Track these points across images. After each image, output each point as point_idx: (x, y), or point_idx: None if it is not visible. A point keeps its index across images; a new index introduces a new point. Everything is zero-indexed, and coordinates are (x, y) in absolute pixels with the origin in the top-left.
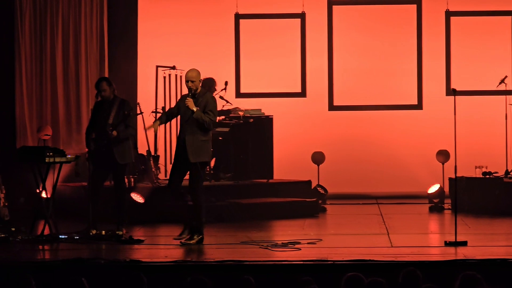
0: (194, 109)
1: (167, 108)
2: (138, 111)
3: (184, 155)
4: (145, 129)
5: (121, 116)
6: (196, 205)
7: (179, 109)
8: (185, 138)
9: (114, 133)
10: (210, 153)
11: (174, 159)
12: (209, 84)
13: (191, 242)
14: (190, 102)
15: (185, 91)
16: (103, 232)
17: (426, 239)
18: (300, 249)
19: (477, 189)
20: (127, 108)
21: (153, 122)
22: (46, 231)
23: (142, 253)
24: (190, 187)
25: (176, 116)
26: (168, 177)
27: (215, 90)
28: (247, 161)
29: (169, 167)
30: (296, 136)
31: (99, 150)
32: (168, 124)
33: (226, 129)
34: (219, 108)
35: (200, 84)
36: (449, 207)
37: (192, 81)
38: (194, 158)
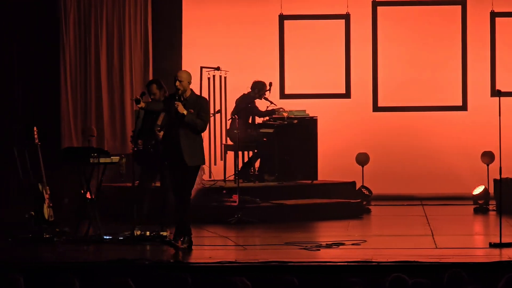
0: (185, 112)
1: (211, 110)
2: None
3: (179, 158)
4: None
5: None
6: (186, 208)
7: (168, 109)
8: (179, 141)
9: (161, 134)
10: (204, 155)
11: (168, 163)
12: (260, 87)
13: (184, 246)
14: (179, 106)
15: (230, 92)
16: (148, 233)
17: (471, 241)
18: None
19: None
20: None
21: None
22: (91, 232)
23: (187, 254)
24: (183, 189)
25: (157, 112)
26: (212, 178)
27: (265, 94)
28: (291, 162)
29: (214, 168)
30: (341, 137)
31: (147, 151)
32: (212, 125)
33: (271, 130)
34: (263, 108)
35: (189, 87)
36: (494, 208)
37: (180, 81)
38: (192, 162)
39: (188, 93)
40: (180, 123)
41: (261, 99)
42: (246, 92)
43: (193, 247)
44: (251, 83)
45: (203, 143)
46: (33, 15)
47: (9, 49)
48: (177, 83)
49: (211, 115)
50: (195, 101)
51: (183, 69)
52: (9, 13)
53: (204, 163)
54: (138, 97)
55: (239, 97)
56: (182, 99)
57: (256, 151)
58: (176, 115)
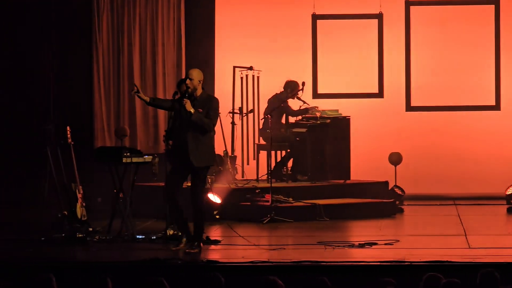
0: (192, 110)
1: (244, 109)
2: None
3: (185, 159)
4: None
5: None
6: (197, 210)
7: (174, 108)
8: (186, 141)
9: None
10: (214, 156)
11: (172, 163)
12: (292, 86)
13: (194, 251)
14: (187, 103)
15: (262, 92)
16: (180, 232)
17: (504, 241)
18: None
19: None
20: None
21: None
22: (123, 231)
23: (219, 254)
24: (193, 192)
25: (163, 109)
26: (244, 178)
27: (297, 94)
28: (324, 161)
29: (246, 167)
30: (373, 136)
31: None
32: (245, 125)
33: (303, 130)
34: (296, 108)
35: (200, 86)
36: None
37: (191, 79)
38: (198, 163)
39: (198, 92)
40: (188, 122)
41: (293, 98)
42: (278, 92)
43: (226, 246)
44: (284, 83)
45: (214, 143)
46: (67, 16)
47: (43, 50)
48: (188, 81)
49: (244, 114)
50: (205, 100)
51: (215, 68)
52: (43, 14)
53: (212, 164)
54: (172, 98)
55: (271, 96)
56: (192, 98)
57: (288, 150)
58: (184, 113)
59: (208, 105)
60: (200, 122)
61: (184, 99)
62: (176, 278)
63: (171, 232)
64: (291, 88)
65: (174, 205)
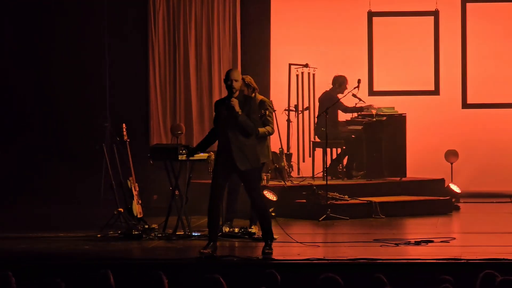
0: (239, 111)
1: (299, 107)
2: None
3: (230, 162)
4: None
5: (260, 116)
6: (262, 210)
7: (219, 114)
8: (230, 146)
9: None
10: (266, 154)
11: (217, 166)
12: (340, 81)
13: (269, 251)
14: (236, 104)
15: (318, 89)
16: (236, 229)
17: None
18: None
19: None
20: (264, 107)
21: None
22: (179, 229)
23: (275, 251)
24: (250, 194)
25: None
26: (300, 175)
27: (346, 88)
28: (380, 159)
29: (302, 165)
30: (429, 134)
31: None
32: (301, 122)
33: (359, 127)
34: (351, 105)
35: (239, 88)
36: None
37: (236, 80)
38: (245, 166)
39: (236, 94)
40: (231, 125)
41: (342, 93)
42: (328, 89)
43: (281, 243)
44: (331, 79)
45: (261, 145)
46: (123, 15)
47: (99, 49)
48: (233, 83)
49: (300, 112)
50: (243, 102)
51: (271, 66)
52: (99, 13)
53: (258, 166)
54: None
55: (321, 95)
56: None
57: (344, 148)
58: (229, 115)
59: (247, 106)
60: (245, 124)
61: (233, 99)
62: (232, 275)
63: (227, 229)
64: (339, 83)
65: (216, 211)
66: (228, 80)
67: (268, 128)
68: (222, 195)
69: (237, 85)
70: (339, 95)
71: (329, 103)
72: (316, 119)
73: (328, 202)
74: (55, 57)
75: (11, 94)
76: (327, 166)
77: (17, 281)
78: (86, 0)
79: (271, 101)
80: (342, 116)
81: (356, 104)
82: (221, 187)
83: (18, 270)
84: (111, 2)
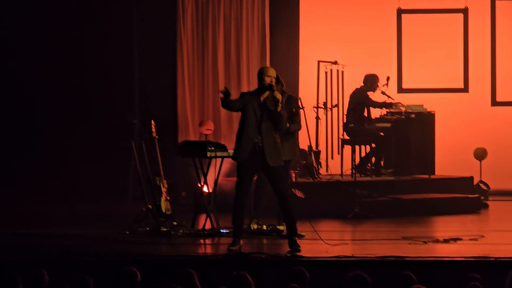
0: (280, 105)
1: (328, 104)
2: (300, 106)
3: (259, 159)
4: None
5: (287, 112)
6: (288, 208)
7: (247, 107)
8: (262, 140)
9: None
10: (294, 151)
11: (243, 163)
12: (372, 80)
13: (299, 248)
14: (279, 95)
15: (347, 86)
16: (264, 226)
17: None
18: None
19: None
20: (294, 105)
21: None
22: (208, 226)
23: (303, 248)
24: (278, 191)
25: (233, 111)
26: (329, 172)
27: (377, 86)
28: (408, 156)
29: (331, 162)
30: (458, 131)
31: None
32: (329, 119)
33: (388, 125)
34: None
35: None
36: None
37: (274, 77)
38: (274, 162)
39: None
40: (265, 120)
41: (374, 92)
42: (358, 87)
43: (310, 241)
44: (363, 77)
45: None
46: (152, 11)
47: (128, 44)
48: (269, 79)
49: (329, 109)
50: (272, 97)
51: (300, 63)
52: (128, 10)
53: (283, 162)
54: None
55: (352, 92)
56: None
57: (373, 145)
58: (264, 109)
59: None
60: (281, 119)
61: (276, 92)
62: (260, 272)
63: (255, 226)
64: (371, 82)
65: (241, 208)
66: (264, 76)
67: (297, 125)
68: (248, 192)
69: (274, 81)
70: (369, 93)
71: (358, 99)
72: (345, 116)
73: (357, 200)
74: (84, 54)
75: (39, 92)
76: (356, 164)
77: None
78: None
79: (299, 98)
80: (373, 114)
81: (385, 101)
82: (247, 184)
83: (48, 267)
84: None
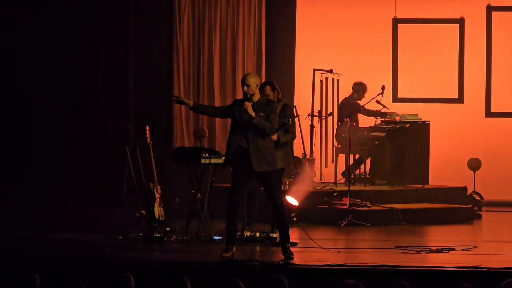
0: (253, 114)
1: (323, 112)
2: (295, 114)
3: (247, 164)
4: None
5: (282, 120)
6: (281, 215)
7: (233, 113)
8: (247, 147)
9: (274, 137)
10: (287, 159)
11: (234, 170)
12: (362, 88)
13: (292, 256)
14: (248, 106)
15: (342, 95)
16: (258, 234)
17: None
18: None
19: None
20: (288, 114)
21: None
22: (201, 232)
23: (296, 256)
24: (270, 197)
25: (208, 115)
26: (322, 181)
27: (363, 96)
28: (402, 166)
29: (325, 170)
30: (453, 142)
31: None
32: (324, 128)
33: (382, 134)
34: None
35: (257, 90)
36: None
37: (248, 85)
38: (260, 167)
39: (257, 97)
40: (249, 127)
41: (360, 100)
42: (347, 96)
43: (303, 248)
44: (351, 85)
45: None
46: (147, 18)
47: (124, 50)
48: (245, 88)
49: (323, 117)
50: (265, 104)
51: (295, 71)
52: (124, 16)
53: (275, 168)
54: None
55: (341, 101)
56: (252, 103)
57: (357, 156)
58: (244, 117)
59: (268, 109)
60: (261, 126)
61: (246, 102)
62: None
63: (248, 233)
64: (362, 90)
65: (235, 215)
66: (242, 86)
67: (290, 135)
68: (242, 199)
69: (250, 90)
70: (359, 101)
71: (350, 109)
72: (337, 125)
73: (350, 208)
74: (80, 59)
75: (29, 94)
76: (345, 169)
77: (41, 283)
78: (110, 1)
79: (294, 105)
80: (365, 122)
81: (379, 110)
82: (240, 191)
83: (41, 272)
84: (136, 4)
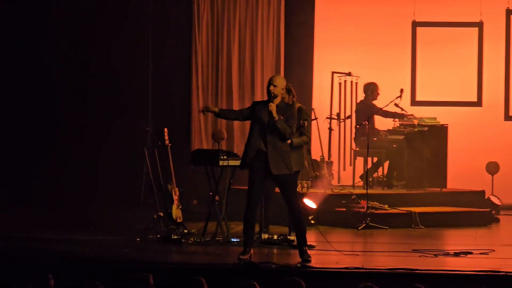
0: (276, 116)
1: (341, 115)
2: (313, 117)
3: (265, 167)
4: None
5: (297, 123)
6: (298, 218)
7: (254, 115)
8: (266, 149)
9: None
10: (301, 162)
11: (252, 173)
12: (372, 88)
13: (310, 259)
14: (273, 107)
15: (361, 98)
16: (275, 236)
17: None
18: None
19: None
20: (304, 117)
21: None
22: (218, 234)
23: (313, 259)
24: (287, 200)
25: (240, 120)
26: (340, 184)
27: (378, 94)
28: (420, 169)
29: (343, 173)
30: (471, 145)
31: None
32: (342, 130)
33: (401, 137)
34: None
35: (281, 93)
36: None
37: (275, 86)
38: (278, 170)
39: (278, 100)
40: (270, 129)
41: (376, 99)
42: (362, 98)
43: (320, 251)
44: (362, 87)
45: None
46: (167, 18)
47: (143, 52)
48: (271, 87)
49: (341, 120)
50: (284, 108)
51: (314, 74)
52: (143, 18)
53: (292, 171)
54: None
55: (357, 104)
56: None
57: (379, 158)
58: (264, 118)
59: (288, 113)
60: (283, 129)
61: (270, 103)
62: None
63: (266, 236)
64: (371, 90)
65: (253, 218)
66: (268, 85)
67: (303, 138)
68: (259, 200)
69: (276, 90)
70: (374, 102)
71: (367, 111)
72: (355, 128)
73: (368, 211)
74: (99, 61)
75: (53, 99)
76: (363, 174)
77: (56, 284)
78: (129, 5)
79: (312, 108)
80: (382, 125)
81: (396, 112)
82: (257, 193)
83: (57, 272)
84: (155, 6)
